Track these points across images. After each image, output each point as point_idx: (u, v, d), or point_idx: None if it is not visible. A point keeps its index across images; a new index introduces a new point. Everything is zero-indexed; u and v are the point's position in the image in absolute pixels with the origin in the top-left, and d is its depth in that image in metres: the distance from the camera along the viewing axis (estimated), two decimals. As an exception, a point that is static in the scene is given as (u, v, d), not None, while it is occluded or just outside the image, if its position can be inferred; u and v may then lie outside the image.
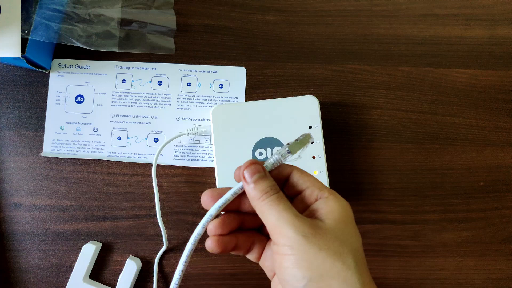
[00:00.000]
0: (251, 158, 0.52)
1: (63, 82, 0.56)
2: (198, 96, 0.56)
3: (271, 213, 0.32)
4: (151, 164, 0.55)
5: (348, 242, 0.31)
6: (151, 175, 0.54)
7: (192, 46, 0.57)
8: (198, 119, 0.56)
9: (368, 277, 0.31)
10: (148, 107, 0.56)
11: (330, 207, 0.33)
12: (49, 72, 0.56)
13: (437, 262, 0.54)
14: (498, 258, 0.55)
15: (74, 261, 0.52)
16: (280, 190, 0.33)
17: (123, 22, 0.55)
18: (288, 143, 0.35)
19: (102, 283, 0.53)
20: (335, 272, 0.30)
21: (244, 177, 0.33)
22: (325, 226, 0.32)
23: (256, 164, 0.33)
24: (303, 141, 0.35)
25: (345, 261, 0.30)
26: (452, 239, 0.55)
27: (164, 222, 0.53)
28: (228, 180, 0.51)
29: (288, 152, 0.35)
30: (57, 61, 0.56)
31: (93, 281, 0.53)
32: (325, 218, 0.32)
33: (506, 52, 0.58)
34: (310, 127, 0.52)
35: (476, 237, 0.55)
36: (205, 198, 0.35)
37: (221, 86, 0.56)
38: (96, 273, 0.53)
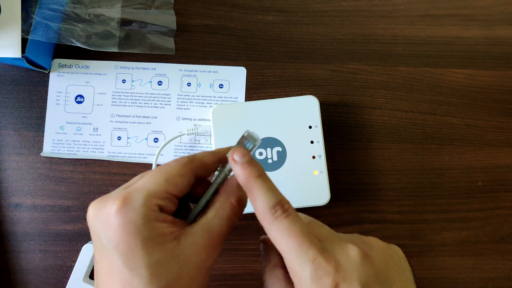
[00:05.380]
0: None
1: (63, 82, 0.56)
2: (198, 96, 0.56)
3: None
4: (151, 164, 0.55)
5: None
6: (151, 175, 0.54)
7: (192, 46, 0.57)
8: (198, 119, 0.56)
9: None
10: (148, 107, 0.56)
11: None
12: (49, 72, 0.56)
13: (436, 262, 0.55)
14: (496, 257, 0.55)
15: (74, 261, 0.52)
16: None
17: (123, 22, 0.55)
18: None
19: (102, 283, 0.53)
20: None
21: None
22: None
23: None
24: (252, 149, 0.32)
25: None
26: (450, 239, 0.55)
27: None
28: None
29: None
30: (57, 61, 0.56)
31: (93, 281, 0.53)
32: None
33: (503, 52, 0.59)
34: (310, 127, 0.52)
35: (475, 237, 0.55)
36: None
37: (221, 86, 0.57)
38: (96, 273, 0.53)
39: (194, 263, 0.30)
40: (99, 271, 0.30)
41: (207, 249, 0.30)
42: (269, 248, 0.34)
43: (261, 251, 0.35)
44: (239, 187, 0.32)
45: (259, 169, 0.30)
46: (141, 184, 0.30)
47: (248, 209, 0.50)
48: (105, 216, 0.29)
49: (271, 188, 0.30)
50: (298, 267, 0.28)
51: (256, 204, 0.30)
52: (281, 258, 0.32)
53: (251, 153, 0.32)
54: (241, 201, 0.33)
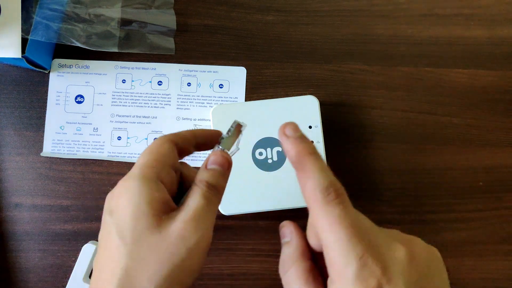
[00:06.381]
0: (251, 158, 0.52)
1: (63, 82, 0.56)
2: (198, 96, 0.56)
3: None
4: (151, 164, 0.55)
5: None
6: (151, 175, 0.54)
7: (192, 46, 0.57)
8: (198, 119, 0.56)
9: None
10: (148, 107, 0.56)
11: None
12: (49, 72, 0.56)
13: (436, 262, 0.55)
14: (496, 258, 0.55)
15: (74, 261, 0.52)
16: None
17: (123, 22, 0.55)
18: (222, 137, 0.35)
19: (102, 282, 0.53)
20: None
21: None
22: None
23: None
24: (234, 132, 0.34)
25: None
26: (450, 240, 0.55)
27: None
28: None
29: (223, 149, 0.34)
30: (57, 61, 0.56)
31: (93, 280, 0.53)
32: None
33: (505, 52, 0.58)
34: (310, 127, 0.52)
35: (474, 238, 0.55)
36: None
37: (221, 86, 0.57)
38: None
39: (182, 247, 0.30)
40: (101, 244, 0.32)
41: (192, 229, 0.30)
42: (297, 235, 0.32)
43: (284, 237, 0.32)
44: (206, 170, 0.33)
45: (312, 146, 0.29)
46: (135, 166, 0.33)
47: (243, 209, 0.50)
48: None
49: (324, 168, 0.28)
50: (343, 261, 0.26)
51: (307, 184, 0.28)
52: (309, 248, 0.31)
53: (239, 140, 0.34)
54: (211, 185, 0.33)
